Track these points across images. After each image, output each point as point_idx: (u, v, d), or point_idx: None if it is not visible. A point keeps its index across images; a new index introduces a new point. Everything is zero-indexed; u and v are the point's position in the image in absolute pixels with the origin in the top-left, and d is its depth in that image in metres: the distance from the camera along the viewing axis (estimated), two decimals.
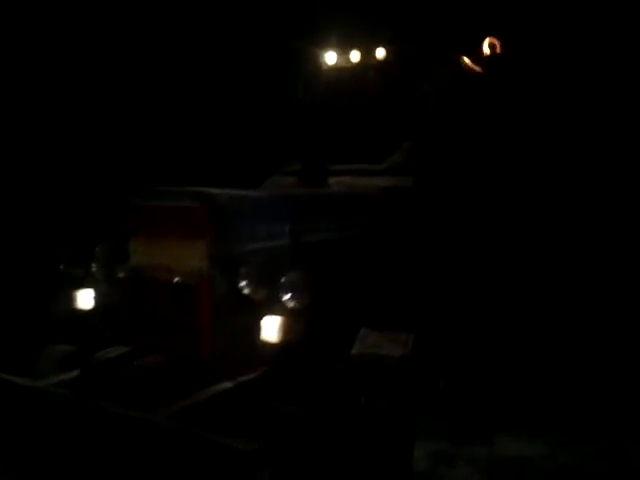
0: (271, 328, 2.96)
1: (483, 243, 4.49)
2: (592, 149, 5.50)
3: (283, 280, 2.96)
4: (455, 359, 4.33)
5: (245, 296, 3.07)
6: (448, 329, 4.13)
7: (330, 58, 5.13)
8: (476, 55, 4.77)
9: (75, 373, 3.19)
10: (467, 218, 4.44)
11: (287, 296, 2.93)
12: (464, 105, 4.61)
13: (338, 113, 5.19)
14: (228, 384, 2.98)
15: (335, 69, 5.15)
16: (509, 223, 4.81)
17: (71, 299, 3.60)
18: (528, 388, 4.74)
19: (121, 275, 3.40)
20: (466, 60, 4.87)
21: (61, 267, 3.63)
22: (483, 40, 4.93)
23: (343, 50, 5.08)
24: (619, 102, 5.90)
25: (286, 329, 2.93)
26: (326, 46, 5.14)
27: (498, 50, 4.78)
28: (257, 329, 3.03)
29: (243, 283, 3.03)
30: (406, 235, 4.15)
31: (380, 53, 4.91)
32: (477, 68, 4.76)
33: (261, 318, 3.04)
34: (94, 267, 3.52)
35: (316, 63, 5.20)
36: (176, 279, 3.13)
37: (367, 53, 4.98)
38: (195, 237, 3.10)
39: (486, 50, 4.81)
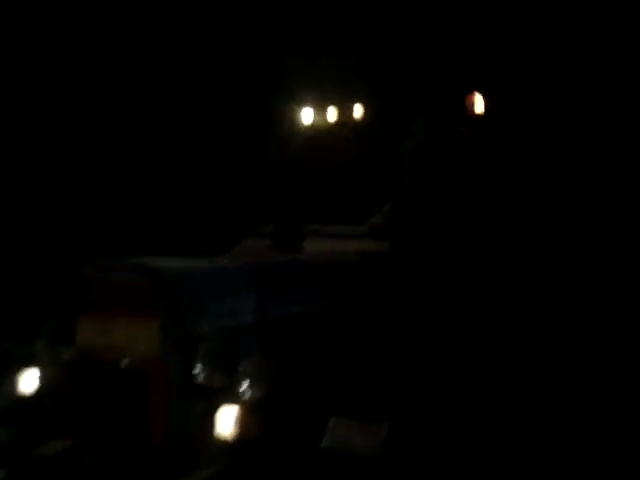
0: (227, 420, 2.62)
1: (464, 317, 4.18)
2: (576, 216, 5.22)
3: (241, 366, 2.64)
4: (440, 440, 3.96)
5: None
6: (430, 410, 3.78)
7: (307, 116, 4.92)
8: (459, 113, 4.58)
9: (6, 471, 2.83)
10: (446, 287, 4.15)
11: (245, 385, 2.61)
12: (443, 166, 4.40)
13: (316, 173, 4.96)
14: None
15: (312, 128, 4.94)
16: (489, 293, 4.51)
17: (13, 381, 3.26)
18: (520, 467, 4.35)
19: (67, 356, 3.07)
20: (448, 118, 4.68)
21: (3, 345, 3.30)
22: (466, 98, 4.76)
23: (320, 108, 4.89)
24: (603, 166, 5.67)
25: (243, 422, 2.59)
26: (302, 104, 4.95)
27: (482, 108, 4.59)
28: (214, 420, 2.70)
29: (197, 369, 2.71)
30: (383, 306, 3.85)
31: (357, 111, 4.71)
32: (461, 126, 4.56)
33: (218, 408, 2.71)
34: (38, 346, 3.19)
35: (292, 121, 5.00)
36: (124, 363, 2.80)
37: (344, 111, 4.79)
38: (145, 316, 2.80)
39: (470, 108, 4.64)
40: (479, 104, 4.76)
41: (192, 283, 2.88)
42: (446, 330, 4.06)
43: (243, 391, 2.61)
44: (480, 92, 4.74)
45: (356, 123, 4.75)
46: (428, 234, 4.14)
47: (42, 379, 3.22)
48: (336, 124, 4.81)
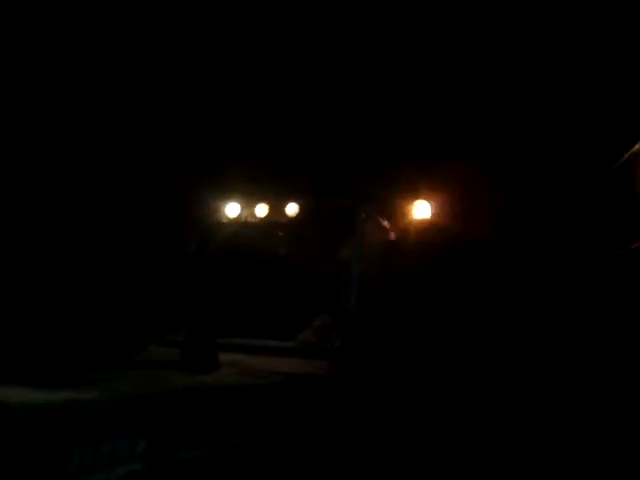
0: None
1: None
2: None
3: None
4: None
5: None
6: None
7: (232, 210, 4.33)
8: (405, 218, 4.15)
9: None
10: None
11: None
12: (391, 278, 3.87)
13: (240, 275, 4.31)
14: None
15: (238, 222, 4.34)
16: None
17: None
18: None
19: None
20: (391, 224, 4.23)
21: None
22: (413, 203, 4.38)
23: (248, 203, 4.32)
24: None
25: None
26: (229, 197, 4.36)
27: (430, 214, 4.19)
28: None
29: None
30: (316, 444, 3.12)
31: (291, 209, 4.16)
32: (407, 232, 4.11)
33: None
34: None
35: (216, 215, 4.39)
36: None
37: (276, 208, 4.23)
38: None
39: (416, 214, 4.23)
40: (424, 210, 4.41)
41: (44, 425, 2.06)
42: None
43: None
44: (426, 199, 4.43)
45: (289, 222, 4.19)
46: (385, 359, 3.53)
47: None
48: (266, 221, 4.23)
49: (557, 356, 4.59)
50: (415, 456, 3.62)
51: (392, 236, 4.21)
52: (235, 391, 3.16)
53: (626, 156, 4.87)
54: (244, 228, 4.30)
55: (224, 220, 4.34)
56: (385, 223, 4.25)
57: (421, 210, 4.40)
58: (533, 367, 4.63)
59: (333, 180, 4.52)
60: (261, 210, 4.25)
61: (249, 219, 4.28)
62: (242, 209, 4.32)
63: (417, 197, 4.42)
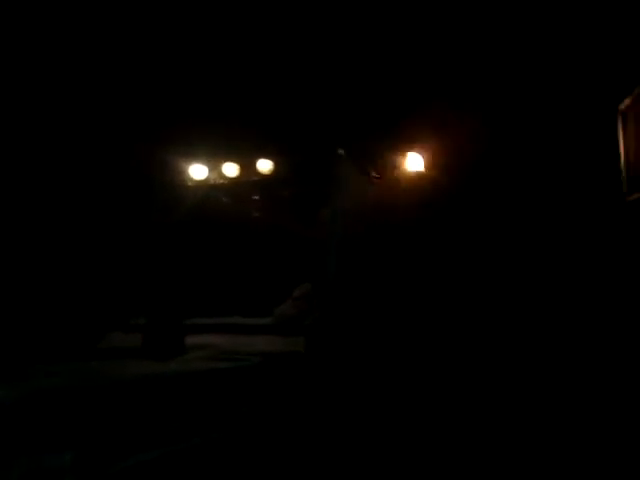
0: None
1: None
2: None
3: None
4: None
5: None
6: None
7: (198, 172, 3.79)
8: (396, 172, 3.63)
9: None
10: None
11: None
12: (378, 239, 3.35)
13: (209, 245, 3.79)
14: None
15: (206, 185, 3.80)
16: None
17: None
18: None
19: None
20: (379, 179, 3.70)
21: None
22: (405, 155, 3.85)
23: (215, 162, 3.77)
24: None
25: None
26: (193, 157, 3.82)
27: (423, 166, 3.68)
28: None
29: None
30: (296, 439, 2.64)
31: (264, 167, 3.62)
32: (397, 187, 3.59)
33: None
34: None
35: (180, 178, 3.84)
36: None
37: (247, 167, 3.69)
38: None
39: (408, 166, 3.71)
40: (417, 162, 3.87)
41: None
42: None
43: None
44: (420, 150, 3.89)
45: (262, 181, 3.65)
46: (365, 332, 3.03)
47: None
48: (237, 182, 3.69)
49: (556, 322, 4.07)
50: (398, 438, 3.15)
51: (379, 193, 3.68)
52: (201, 377, 2.67)
53: (637, 91, 4.32)
54: (212, 191, 3.77)
55: (189, 183, 3.81)
56: (372, 177, 3.72)
57: (413, 162, 3.88)
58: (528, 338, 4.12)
59: (312, 132, 3.97)
60: (230, 170, 3.72)
61: (217, 181, 3.75)
62: (209, 170, 3.78)
63: (409, 149, 3.90)
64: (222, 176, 3.72)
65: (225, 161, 3.72)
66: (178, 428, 2.37)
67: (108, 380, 2.33)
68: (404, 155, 3.86)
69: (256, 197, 3.77)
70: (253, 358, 2.92)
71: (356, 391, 3.03)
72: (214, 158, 3.77)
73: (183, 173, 3.79)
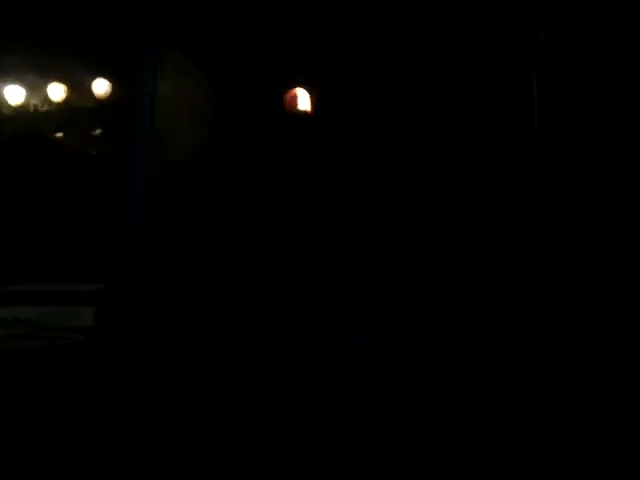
0: None
1: None
2: None
3: None
4: None
5: None
6: None
7: (14, 95, 2.90)
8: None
9: None
10: None
11: None
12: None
13: (27, 192, 2.95)
14: None
15: (23, 113, 2.91)
16: None
17: None
18: None
19: None
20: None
21: None
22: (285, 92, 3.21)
23: (37, 83, 2.88)
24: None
25: None
26: (8, 77, 2.90)
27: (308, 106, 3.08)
28: None
29: None
30: None
31: (100, 88, 2.79)
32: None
33: None
34: None
35: None
36: None
37: (78, 89, 2.85)
38: None
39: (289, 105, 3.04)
40: (303, 101, 3.23)
41: None
42: None
43: None
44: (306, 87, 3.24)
45: (99, 106, 2.80)
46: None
47: None
48: (63, 107, 2.82)
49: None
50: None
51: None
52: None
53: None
54: (32, 120, 2.89)
55: (3, 110, 2.90)
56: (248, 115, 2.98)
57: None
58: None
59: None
60: (56, 92, 2.85)
61: (39, 107, 2.87)
62: (28, 92, 2.89)
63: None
64: (46, 100, 2.85)
65: (50, 82, 2.85)
66: None
67: None
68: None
69: (90, 129, 2.92)
70: (75, 335, 2.18)
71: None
72: (36, 78, 2.88)
73: None
